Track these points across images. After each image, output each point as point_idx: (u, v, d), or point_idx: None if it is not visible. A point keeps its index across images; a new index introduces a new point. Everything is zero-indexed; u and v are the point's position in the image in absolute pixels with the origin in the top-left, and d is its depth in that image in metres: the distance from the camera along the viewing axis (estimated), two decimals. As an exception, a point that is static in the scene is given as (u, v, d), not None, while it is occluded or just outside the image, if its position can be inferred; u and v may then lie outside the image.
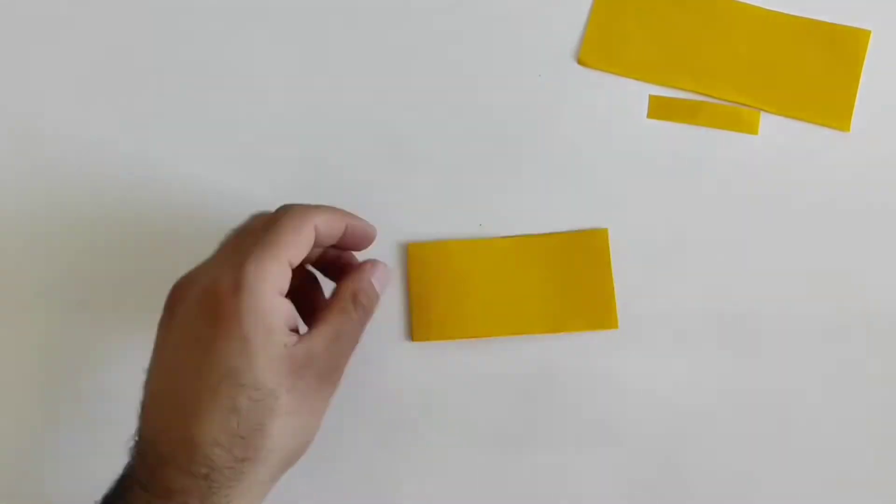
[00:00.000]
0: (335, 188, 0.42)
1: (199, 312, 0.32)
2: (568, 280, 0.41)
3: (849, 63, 0.43)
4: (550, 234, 0.42)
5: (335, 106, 0.43)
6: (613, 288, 0.41)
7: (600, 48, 0.43)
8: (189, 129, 0.43)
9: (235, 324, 0.31)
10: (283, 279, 0.33)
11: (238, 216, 0.43)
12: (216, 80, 0.44)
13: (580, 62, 0.43)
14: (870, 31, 0.43)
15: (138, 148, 0.43)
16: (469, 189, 0.42)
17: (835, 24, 0.43)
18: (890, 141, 0.42)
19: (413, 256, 0.42)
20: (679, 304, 0.41)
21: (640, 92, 0.43)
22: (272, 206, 0.43)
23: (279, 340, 0.32)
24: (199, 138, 0.43)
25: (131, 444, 0.33)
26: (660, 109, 0.43)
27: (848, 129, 0.42)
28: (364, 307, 0.36)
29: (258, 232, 0.34)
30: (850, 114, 0.42)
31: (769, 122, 0.42)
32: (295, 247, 0.33)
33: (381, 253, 0.40)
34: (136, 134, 0.43)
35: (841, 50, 0.43)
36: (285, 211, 0.34)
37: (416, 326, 0.41)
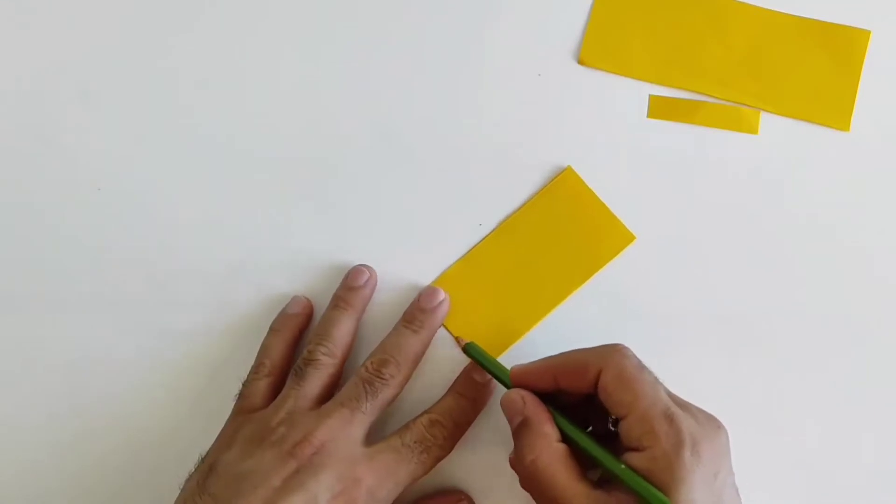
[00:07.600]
0: (330, 188, 0.43)
1: (332, 484, 0.35)
2: (569, 229, 0.41)
3: (849, 63, 0.43)
4: (528, 202, 0.42)
5: (333, 106, 0.43)
6: (609, 210, 0.41)
7: (600, 48, 0.43)
8: (184, 131, 0.44)
9: None
10: None
11: (236, 217, 0.43)
12: (212, 81, 0.44)
13: (580, 62, 0.43)
14: (870, 31, 0.43)
15: (122, 154, 0.44)
16: (469, 188, 0.42)
17: (835, 24, 0.43)
18: (890, 141, 0.42)
19: None
20: (678, 304, 0.41)
21: (640, 92, 0.43)
22: (269, 214, 0.43)
23: None
24: (197, 139, 0.43)
25: None
26: (660, 109, 0.43)
27: (848, 129, 0.42)
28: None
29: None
30: (850, 114, 0.42)
31: (769, 122, 0.43)
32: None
33: (392, 259, 0.41)
34: (128, 138, 0.44)
35: (841, 50, 0.43)
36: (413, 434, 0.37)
37: None
